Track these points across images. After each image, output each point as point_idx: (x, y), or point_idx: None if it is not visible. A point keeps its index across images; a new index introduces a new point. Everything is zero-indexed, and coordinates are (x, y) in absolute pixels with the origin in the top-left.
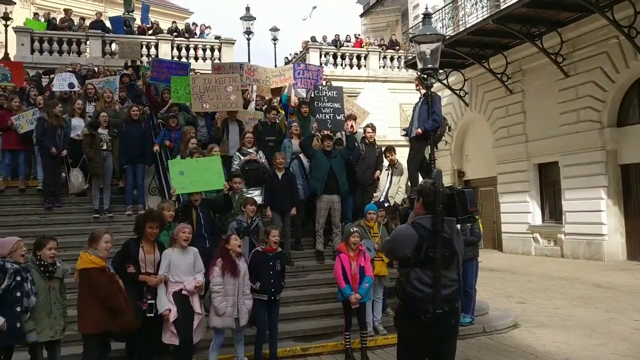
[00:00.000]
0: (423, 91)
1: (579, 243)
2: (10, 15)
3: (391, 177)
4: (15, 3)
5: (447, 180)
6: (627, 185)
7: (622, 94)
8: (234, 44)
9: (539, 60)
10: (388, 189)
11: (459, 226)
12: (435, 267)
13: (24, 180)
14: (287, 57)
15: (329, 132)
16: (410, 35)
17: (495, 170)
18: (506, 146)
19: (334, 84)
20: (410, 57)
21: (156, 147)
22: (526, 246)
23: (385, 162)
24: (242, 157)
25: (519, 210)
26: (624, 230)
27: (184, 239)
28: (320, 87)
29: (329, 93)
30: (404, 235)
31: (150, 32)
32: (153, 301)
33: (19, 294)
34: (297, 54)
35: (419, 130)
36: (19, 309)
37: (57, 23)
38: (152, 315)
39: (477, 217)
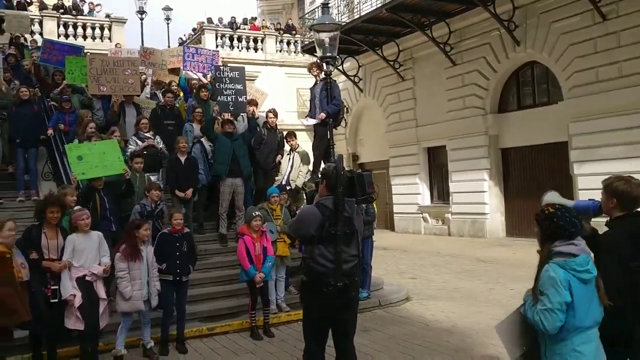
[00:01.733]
0: (316, 75)
1: (465, 222)
2: None
3: (292, 162)
4: None
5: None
6: (506, 167)
7: (503, 82)
8: (125, 23)
9: (429, 48)
10: (289, 172)
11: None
12: (336, 243)
13: None
14: (181, 38)
15: (229, 116)
16: (307, 22)
17: (387, 154)
18: (398, 131)
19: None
20: (307, 43)
21: (50, 131)
22: (416, 225)
23: (287, 147)
24: (139, 142)
25: (410, 192)
26: (504, 209)
27: (85, 224)
28: (222, 67)
29: (231, 74)
30: (308, 215)
31: (31, 7)
32: (57, 287)
33: None
34: (191, 34)
35: (322, 115)
36: None
37: None
38: (56, 301)
39: (374, 198)
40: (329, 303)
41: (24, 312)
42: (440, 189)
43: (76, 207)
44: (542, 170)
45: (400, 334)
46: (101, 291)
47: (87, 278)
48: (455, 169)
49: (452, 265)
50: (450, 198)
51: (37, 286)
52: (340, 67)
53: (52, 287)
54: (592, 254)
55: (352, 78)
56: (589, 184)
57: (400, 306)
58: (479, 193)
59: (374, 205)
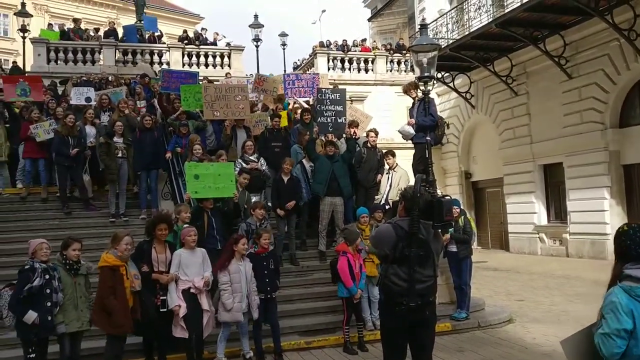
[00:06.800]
0: (414, 96)
1: (584, 242)
2: (27, 27)
3: (391, 180)
4: (32, 15)
5: (454, 182)
6: (629, 185)
7: (624, 95)
8: (243, 50)
9: (543, 62)
10: (388, 191)
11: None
12: (410, 264)
13: (46, 188)
14: (295, 62)
15: (331, 137)
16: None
17: (501, 172)
18: (512, 147)
19: (341, 87)
20: None
21: (168, 154)
22: (532, 246)
23: (386, 166)
24: (243, 165)
25: (525, 211)
26: None
27: (191, 241)
28: (323, 90)
29: (332, 96)
30: (383, 234)
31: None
32: (165, 297)
33: (48, 291)
34: (305, 59)
35: (412, 120)
36: (49, 304)
37: (71, 34)
38: (165, 310)
39: (452, 225)
40: (401, 321)
41: (128, 327)
42: (557, 208)
43: (185, 225)
44: None
45: (495, 355)
46: (205, 303)
47: (191, 290)
48: (573, 186)
49: (564, 288)
50: (568, 217)
51: (148, 296)
52: (451, 84)
53: (161, 298)
54: None
55: (464, 95)
56: None
57: (501, 328)
58: (599, 212)
59: (472, 224)
